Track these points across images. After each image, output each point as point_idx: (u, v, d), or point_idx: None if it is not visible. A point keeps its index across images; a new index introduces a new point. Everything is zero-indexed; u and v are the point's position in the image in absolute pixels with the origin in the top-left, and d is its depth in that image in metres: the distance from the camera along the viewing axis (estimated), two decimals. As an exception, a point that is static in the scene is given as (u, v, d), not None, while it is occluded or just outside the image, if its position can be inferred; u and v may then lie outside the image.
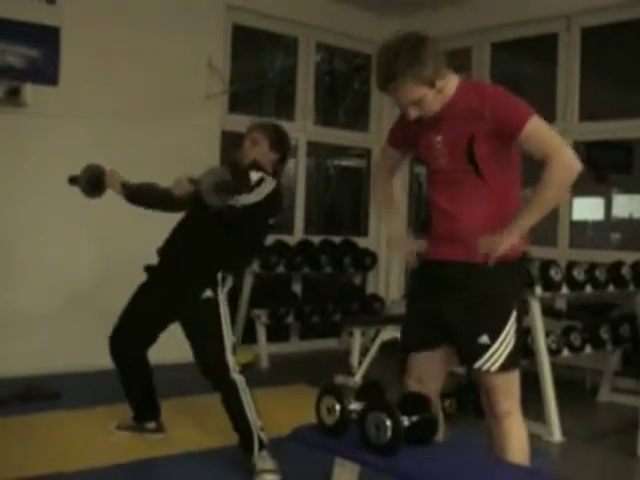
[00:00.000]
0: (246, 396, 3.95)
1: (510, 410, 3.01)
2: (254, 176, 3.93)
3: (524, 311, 3.16)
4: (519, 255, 3.02)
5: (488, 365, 2.92)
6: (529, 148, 2.85)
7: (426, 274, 3.10)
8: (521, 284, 3.19)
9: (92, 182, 4.33)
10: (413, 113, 2.91)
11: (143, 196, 4.24)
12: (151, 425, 4.45)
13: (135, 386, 4.36)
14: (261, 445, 3.94)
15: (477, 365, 2.94)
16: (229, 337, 3.98)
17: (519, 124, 2.81)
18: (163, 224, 4.23)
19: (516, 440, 3.02)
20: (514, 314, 2.96)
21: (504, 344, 2.92)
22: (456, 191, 2.95)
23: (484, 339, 2.91)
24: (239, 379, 3.96)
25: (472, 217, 2.93)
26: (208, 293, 3.97)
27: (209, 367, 3.99)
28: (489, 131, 2.84)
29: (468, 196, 2.93)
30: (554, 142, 2.82)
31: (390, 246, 3.04)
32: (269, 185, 3.96)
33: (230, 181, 3.77)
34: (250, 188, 3.87)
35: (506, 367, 2.95)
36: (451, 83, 2.91)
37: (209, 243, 4.02)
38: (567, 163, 2.80)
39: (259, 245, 4.42)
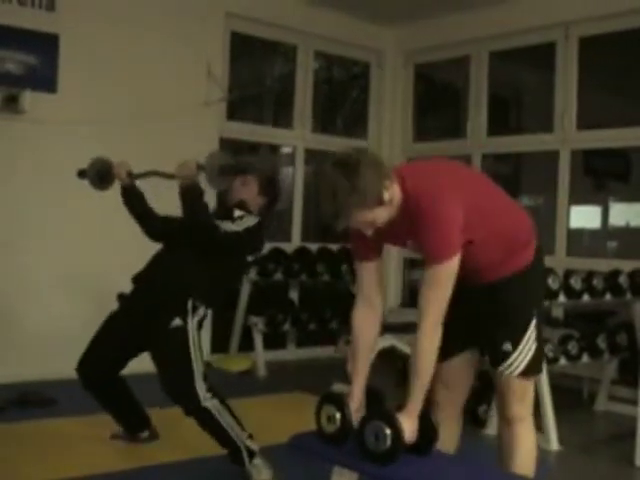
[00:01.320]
0: (223, 417, 3.90)
1: (522, 416, 3.09)
2: (237, 213, 4.02)
3: (543, 318, 3.19)
4: (531, 260, 3.07)
5: (510, 370, 3.02)
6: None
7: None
8: (540, 288, 3.26)
9: (100, 175, 4.34)
10: (369, 231, 2.84)
11: (137, 199, 4.25)
12: (144, 434, 4.44)
13: (115, 406, 4.33)
14: (251, 454, 3.93)
15: (500, 369, 3.05)
16: (199, 367, 3.90)
17: (429, 260, 2.79)
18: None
19: (525, 445, 3.10)
20: (533, 322, 3.04)
21: (524, 351, 3.02)
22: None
23: (507, 346, 3.01)
24: (212, 405, 3.88)
25: (485, 266, 2.99)
26: (177, 322, 3.92)
27: (178, 398, 3.93)
28: None
29: (471, 259, 2.91)
30: (428, 305, 2.79)
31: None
32: (250, 220, 4.01)
33: (234, 163, 3.83)
34: (232, 219, 3.96)
35: (526, 373, 3.04)
36: (396, 187, 2.82)
37: (181, 272, 3.99)
38: (426, 332, 2.79)
39: (235, 277, 4.37)
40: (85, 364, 4.14)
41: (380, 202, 2.73)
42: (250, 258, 4.17)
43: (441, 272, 2.78)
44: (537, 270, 3.15)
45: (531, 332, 3.03)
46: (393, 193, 2.79)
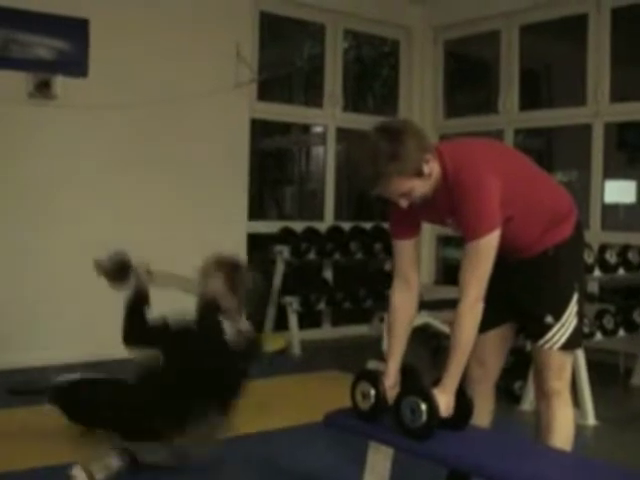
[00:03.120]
0: None
1: (560, 390, 3.09)
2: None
3: (585, 294, 3.21)
4: (570, 233, 3.07)
5: (551, 343, 3.03)
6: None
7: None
8: (581, 261, 3.28)
9: (117, 269, 4.09)
10: (404, 203, 2.83)
11: (143, 304, 3.95)
12: None
13: None
14: None
15: (541, 342, 3.05)
16: None
17: (470, 238, 2.79)
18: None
19: (563, 419, 3.10)
20: (575, 296, 3.05)
21: (566, 324, 3.03)
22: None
23: (549, 319, 3.02)
24: None
25: (526, 242, 3.00)
26: None
27: None
28: None
29: (511, 237, 2.93)
30: (470, 281, 2.80)
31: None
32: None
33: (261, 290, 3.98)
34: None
35: (566, 347, 3.05)
36: (436, 164, 2.83)
37: None
38: (465, 307, 2.80)
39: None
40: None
41: (419, 173, 2.76)
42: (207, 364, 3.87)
43: (481, 247, 2.78)
44: (578, 243, 3.15)
45: (573, 306, 3.03)
46: (432, 168, 2.81)
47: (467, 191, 2.78)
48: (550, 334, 3.02)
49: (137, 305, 3.91)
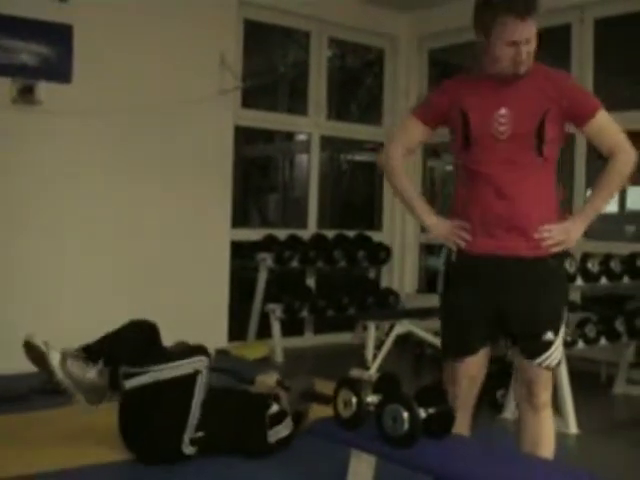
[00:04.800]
0: None
1: (547, 401, 3.08)
2: None
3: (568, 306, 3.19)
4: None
5: (549, 361, 2.97)
6: (594, 138, 3.00)
7: (474, 268, 2.99)
8: (566, 276, 3.24)
9: None
10: (525, 51, 2.82)
11: None
12: None
13: None
14: None
15: (539, 360, 2.96)
16: None
17: (593, 111, 2.92)
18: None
19: (549, 432, 3.10)
20: (566, 308, 3.03)
21: (561, 339, 2.99)
22: (514, 170, 2.89)
23: (549, 336, 2.94)
24: None
25: (533, 201, 2.92)
26: None
27: None
28: (559, 114, 2.89)
29: (528, 177, 2.91)
30: (620, 137, 2.97)
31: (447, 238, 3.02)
32: None
33: (315, 392, 4.12)
34: None
35: (560, 362, 3.04)
36: None
37: None
38: (630, 159, 2.97)
39: None
40: None
41: (538, 33, 2.84)
42: None
43: (607, 116, 2.96)
44: (564, 258, 3.12)
45: (565, 319, 3.00)
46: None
47: (571, 79, 3.08)
48: (550, 351, 2.94)
49: None
